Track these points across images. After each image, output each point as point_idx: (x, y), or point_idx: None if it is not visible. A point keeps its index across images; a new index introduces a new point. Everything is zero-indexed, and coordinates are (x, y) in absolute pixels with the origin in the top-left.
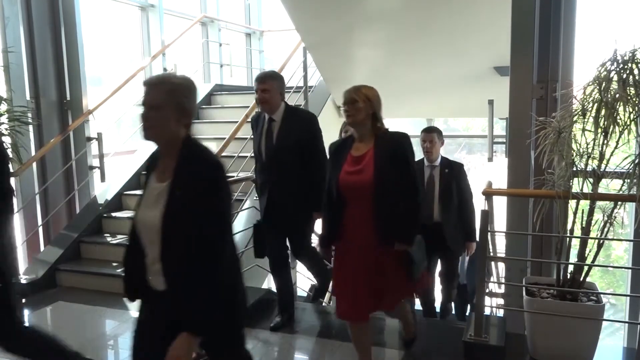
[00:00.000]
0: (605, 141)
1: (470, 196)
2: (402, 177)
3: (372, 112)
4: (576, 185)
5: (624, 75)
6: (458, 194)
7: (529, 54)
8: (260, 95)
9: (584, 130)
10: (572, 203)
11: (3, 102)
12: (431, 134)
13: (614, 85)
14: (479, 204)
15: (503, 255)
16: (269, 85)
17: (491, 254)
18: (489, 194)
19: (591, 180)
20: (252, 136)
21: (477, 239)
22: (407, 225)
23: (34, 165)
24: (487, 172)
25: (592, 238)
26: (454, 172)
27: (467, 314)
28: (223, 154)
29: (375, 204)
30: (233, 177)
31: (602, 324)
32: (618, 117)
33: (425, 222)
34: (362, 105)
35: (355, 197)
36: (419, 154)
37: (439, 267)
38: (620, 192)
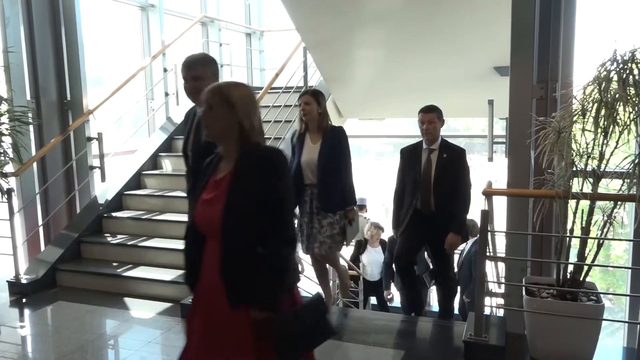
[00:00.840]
0: (605, 141)
1: (464, 185)
2: (266, 211)
3: (238, 122)
4: (576, 185)
5: (624, 75)
6: (452, 182)
7: (529, 54)
8: (191, 85)
9: (583, 130)
10: (572, 203)
11: (3, 102)
12: (430, 114)
13: (614, 85)
14: (477, 196)
15: (503, 255)
16: (201, 72)
17: (491, 254)
18: (489, 194)
19: (591, 180)
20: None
21: (470, 236)
22: (266, 282)
23: (35, 165)
24: (487, 172)
25: (592, 238)
26: (453, 157)
27: (454, 311)
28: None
29: (223, 248)
30: None
31: (602, 323)
32: (618, 117)
33: (423, 211)
34: (221, 112)
35: (209, 237)
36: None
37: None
38: (620, 192)
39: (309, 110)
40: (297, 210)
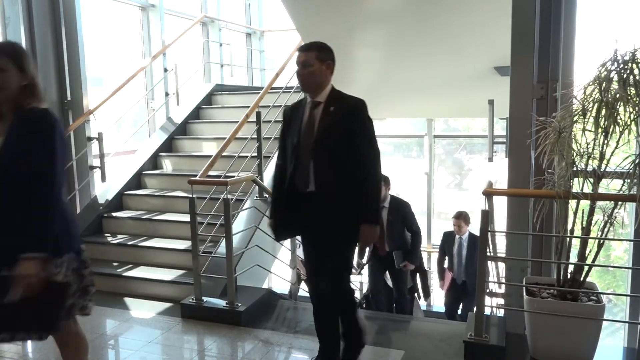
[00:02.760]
0: (606, 141)
1: (366, 152)
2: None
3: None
4: (576, 185)
5: (625, 75)
6: (343, 147)
7: (529, 54)
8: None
9: (584, 130)
10: (572, 203)
11: None
12: (306, 53)
13: (615, 85)
14: (476, 196)
15: (503, 255)
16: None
17: (491, 254)
18: (489, 193)
19: (591, 180)
20: None
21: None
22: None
23: None
24: (487, 172)
25: (592, 238)
26: (342, 111)
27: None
28: (223, 154)
29: None
30: (233, 177)
31: (602, 323)
32: (618, 117)
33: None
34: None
35: None
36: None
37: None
38: (621, 192)
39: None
40: None
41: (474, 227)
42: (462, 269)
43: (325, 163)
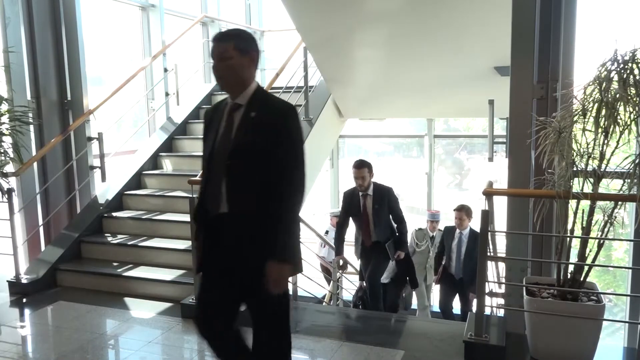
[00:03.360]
0: (606, 141)
1: (285, 169)
2: None
3: None
4: (576, 185)
5: (625, 75)
6: (260, 161)
7: (529, 53)
8: None
9: (584, 130)
10: (572, 203)
11: (4, 102)
12: (220, 45)
13: (615, 85)
14: (477, 196)
15: (503, 255)
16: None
17: (491, 254)
18: (489, 193)
19: (591, 180)
20: None
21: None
22: None
23: (35, 165)
24: (487, 172)
25: (592, 238)
26: (266, 117)
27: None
28: None
29: None
30: None
31: (602, 323)
32: (618, 117)
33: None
34: None
35: None
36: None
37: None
38: (621, 192)
39: None
40: None
41: (476, 225)
42: (459, 265)
43: (240, 180)
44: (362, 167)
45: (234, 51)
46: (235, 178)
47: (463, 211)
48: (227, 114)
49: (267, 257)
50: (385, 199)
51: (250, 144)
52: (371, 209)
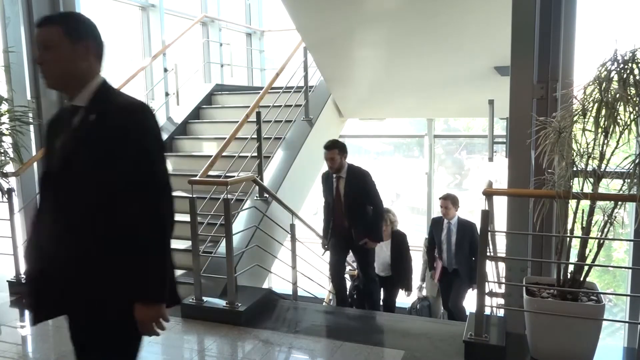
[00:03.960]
0: (606, 141)
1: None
2: None
3: None
4: (576, 185)
5: (625, 75)
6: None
7: (529, 53)
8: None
9: (584, 130)
10: (572, 203)
11: (4, 102)
12: None
13: (615, 85)
14: (477, 196)
15: (503, 255)
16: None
17: (491, 254)
18: (489, 193)
19: (591, 180)
20: None
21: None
22: None
23: (35, 165)
24: (487, 172)
25: (592, 238)
26: (108, 121)
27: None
28: (223, 154)
29: None
30: (233, 177)
31: (602, 323)
32: (618, 117)
33: None
34: None
35: None
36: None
37: None
38: (621, 192)
39: None
40: None
41: (464, 213)
42: (451, 256)
43: (71, 210)
44: (332, 148)
45: (63, 38)
46: (63, 207)
47: (449, 200)
48: (66, 121)
49: (132, 297)
50: (360, 182)
51: (81, 154)
52: (343, 192)
